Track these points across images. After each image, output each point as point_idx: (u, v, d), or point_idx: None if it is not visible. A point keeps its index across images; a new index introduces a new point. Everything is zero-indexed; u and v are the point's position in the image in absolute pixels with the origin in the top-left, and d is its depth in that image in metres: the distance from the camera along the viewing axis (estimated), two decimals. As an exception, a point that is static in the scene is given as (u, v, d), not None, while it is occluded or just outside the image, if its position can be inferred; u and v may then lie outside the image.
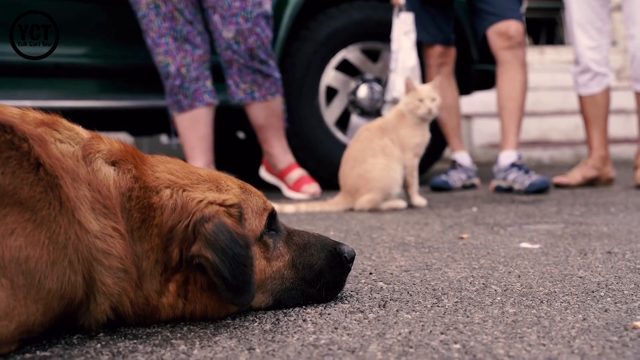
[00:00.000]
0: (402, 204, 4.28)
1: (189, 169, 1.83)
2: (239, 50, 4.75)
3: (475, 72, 6.11)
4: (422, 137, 4.31)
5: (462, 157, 5.64)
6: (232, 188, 1.84)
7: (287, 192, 5.11)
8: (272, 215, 1.90)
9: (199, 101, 4.83)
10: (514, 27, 5.18)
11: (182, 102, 4.83)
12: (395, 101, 5.08)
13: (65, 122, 1.76)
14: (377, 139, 4.23)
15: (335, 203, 4.30)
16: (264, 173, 5.34)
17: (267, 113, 4.98)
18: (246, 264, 1.70)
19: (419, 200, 4.36)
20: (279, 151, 5.16)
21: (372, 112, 5.72)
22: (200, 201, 1.72)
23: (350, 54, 5.70)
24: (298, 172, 5.14)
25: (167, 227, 1.70)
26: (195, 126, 4.85)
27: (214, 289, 1.71)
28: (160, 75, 4.85)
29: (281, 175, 5.18)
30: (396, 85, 5.08)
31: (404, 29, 5.16)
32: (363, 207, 4.19)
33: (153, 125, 6.26)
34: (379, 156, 4.18)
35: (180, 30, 4.73)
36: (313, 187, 5.05)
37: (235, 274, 1.67)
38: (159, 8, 4.67)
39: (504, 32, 5.18)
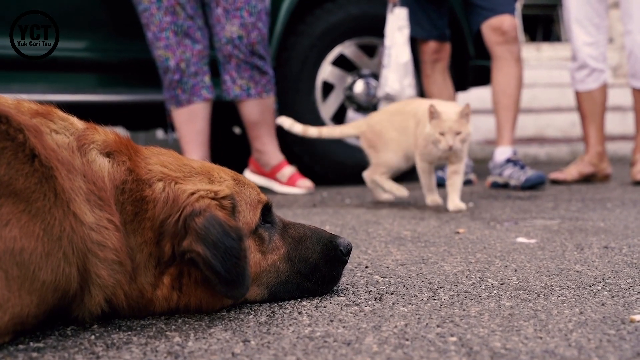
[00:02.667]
0: (405, 191, 4.21)
1: (182, 161, 1.82)
2: (240, 45, 4.74)
3: (472, 68, 6.09)
4: (435, 152, 3.90)
5: (458, 153, 5.62)
6: (225, 180, 1.83)
7: (282, 188, 5.09)
8: (267, 208, 1.89)
9: (196, 96, 4.82)
10: (507, 21, 5.16)
11: (179, 97, 4.81)
12: (387, 97, 5.05)
13: (59, 112, 1.75)
14: (410, 118, 4.07)
15: (354, 127, 4.41)
16: (249, 174, 5.28)
17: (261, 110, 4.97)
18: (239, 257, 1.69)
19: (432, 199, 4.13)
20: (271, 148, 5.14)
21: (368, 107, 5.70)
22: (192, 193, 1.71)
23: (347, 49, 5.68)
24: (290, 169, 5.13)
25: (159, 220, 1.69)
26: (192, 121, 4.84)
27: (209, 283, 1.70)
28: (158, 69, 4.83)
29: (273, 172, 5.15)
30: (388, 81, 5.05)
31: (397, 24, 5.14)
32: (372, 174, 4.23)
33: (149, 119, 6.25)
34: (397, 130, 4.12)
35: (181, 24, 4.71)
36: (308, 182, 5.05)
37: (228, 267, 1.66)
38: (161, 2, 4.65)
39: (497, 27, 5.16)
